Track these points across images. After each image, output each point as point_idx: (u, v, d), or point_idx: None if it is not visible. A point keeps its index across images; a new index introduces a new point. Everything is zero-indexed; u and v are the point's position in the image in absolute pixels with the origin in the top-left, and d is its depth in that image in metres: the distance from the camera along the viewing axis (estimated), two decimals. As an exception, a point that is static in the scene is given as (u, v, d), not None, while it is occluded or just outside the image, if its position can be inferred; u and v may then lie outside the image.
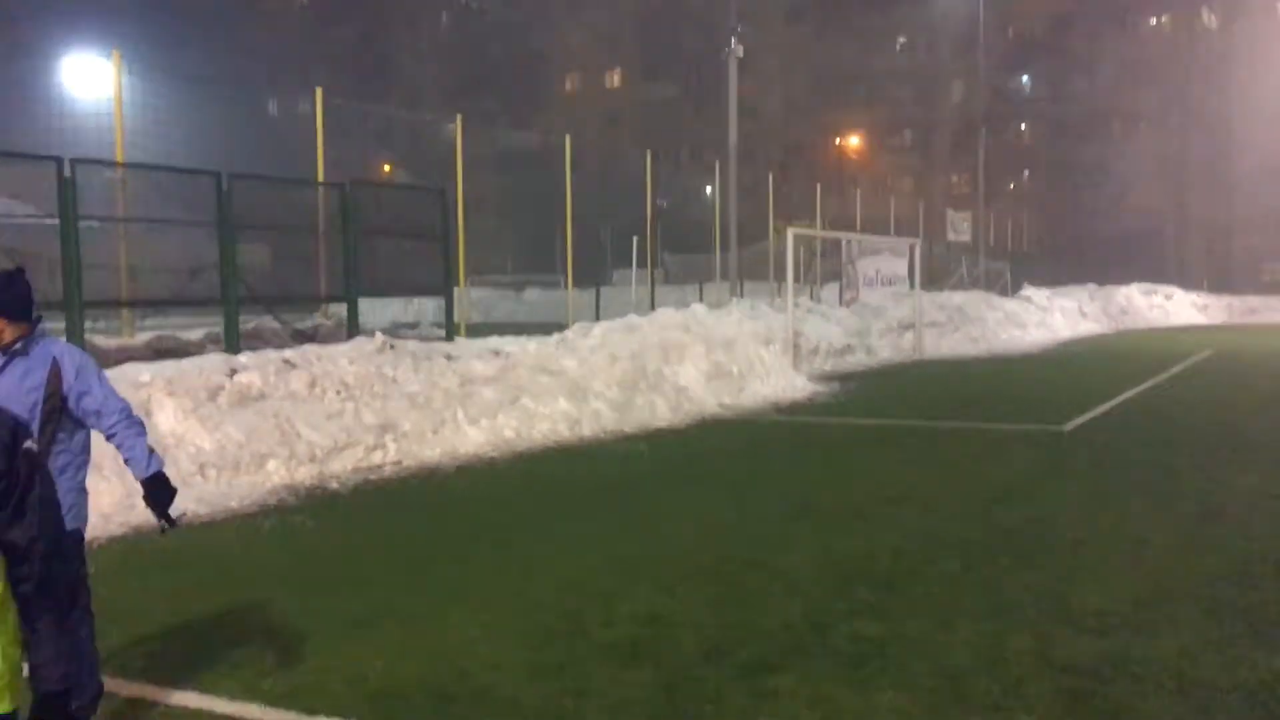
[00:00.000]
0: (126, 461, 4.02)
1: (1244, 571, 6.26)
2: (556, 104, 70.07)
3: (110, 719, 4.25)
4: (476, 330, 18.70)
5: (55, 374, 3.89)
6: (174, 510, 4.05)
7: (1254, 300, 46.26)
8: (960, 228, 41.94)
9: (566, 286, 24.62)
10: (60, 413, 3.91)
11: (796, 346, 19.38)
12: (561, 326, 16.76)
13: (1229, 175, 57.90)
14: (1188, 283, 49.18)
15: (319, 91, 16.87)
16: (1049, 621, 5.36)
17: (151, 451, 4.03)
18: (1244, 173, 56.99)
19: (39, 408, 3.86)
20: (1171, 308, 43.42)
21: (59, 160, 11.06)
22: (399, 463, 10.28)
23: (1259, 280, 53.84)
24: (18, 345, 3.87)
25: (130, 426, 3.99)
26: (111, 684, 4.35)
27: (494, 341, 14.02)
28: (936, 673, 4.64)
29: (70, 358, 3.96)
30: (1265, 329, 36.82)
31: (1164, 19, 61.92)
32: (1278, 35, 55.78)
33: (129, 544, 7.29)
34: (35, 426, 3.80)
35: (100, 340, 13.68)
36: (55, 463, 3.88)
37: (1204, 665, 4.71)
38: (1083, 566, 6.46)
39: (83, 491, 4.04)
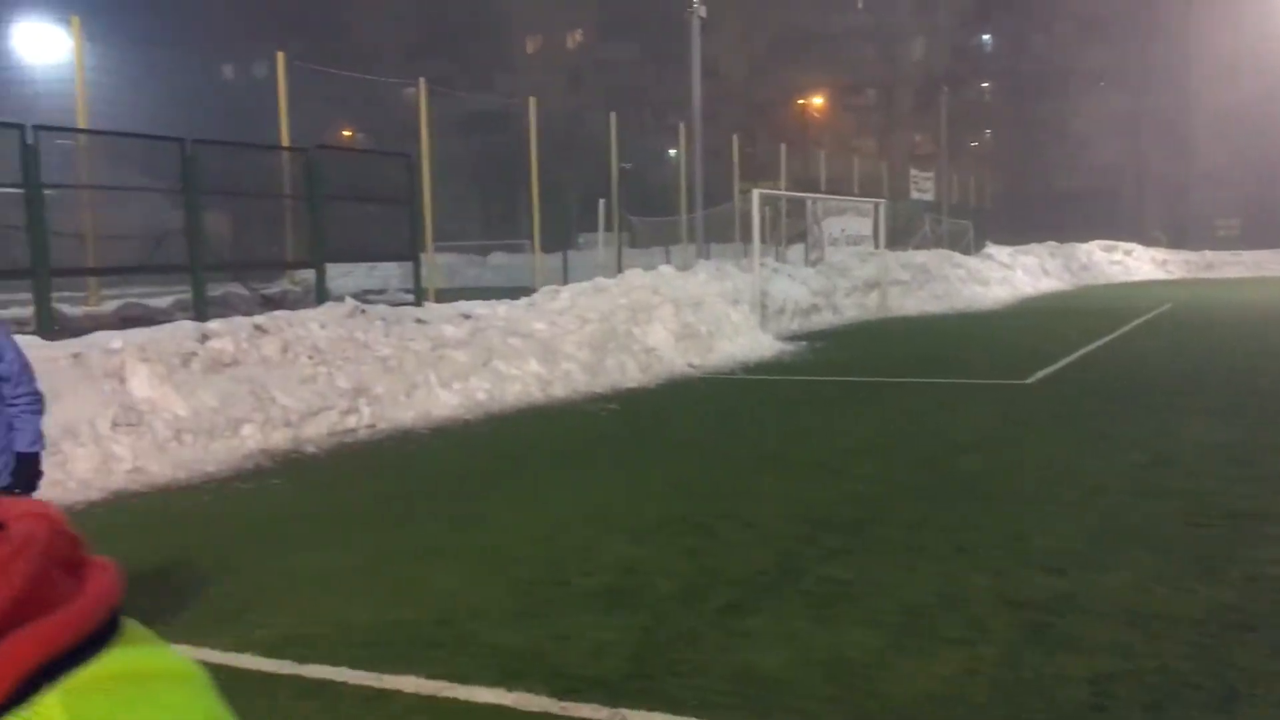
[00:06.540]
0: (11, 429, 4.13)
1: (1191, 514, 6.53)
2: (517, 65, 69.52)
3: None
4: (444, 296, 18.70)
5: None
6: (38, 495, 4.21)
7: (1210, 255, 47.01)
8: (924, 186, 42.21)
9: (533, 250, 24.64)
10: None
11: (764, 306, 19.57)
12: (528, 291, 16.69)
13: (1184, 133, 58.59)
14: (1145, 238, 49.85)
15: (281, 56, 16.74)
16: (1007, 561, 5.60)
17: (41, 434, 4.24)
18: (1198, 130, 57.70)
19: None
20: (1132, 264, 44.03)
21: (21, 127, 10.99)
22: (373, 426, 10.38)
23: (1214, 236, 54.71)
24: None
25: (35, 403, 4.18)
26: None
27: (463, 305, 14.08)
28: (901, 610, 4.87)
29: None
30: (1222, 283, 37.62)
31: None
32: (1234, -8, 56.22)
33: (109, 509, 7.38)
34: None
35: (66, 309, 13.63)
36: None
37: (1153, 598, 4.97)
38: (1039, 511, 6.71)
39: (7, 452, 4.15)
